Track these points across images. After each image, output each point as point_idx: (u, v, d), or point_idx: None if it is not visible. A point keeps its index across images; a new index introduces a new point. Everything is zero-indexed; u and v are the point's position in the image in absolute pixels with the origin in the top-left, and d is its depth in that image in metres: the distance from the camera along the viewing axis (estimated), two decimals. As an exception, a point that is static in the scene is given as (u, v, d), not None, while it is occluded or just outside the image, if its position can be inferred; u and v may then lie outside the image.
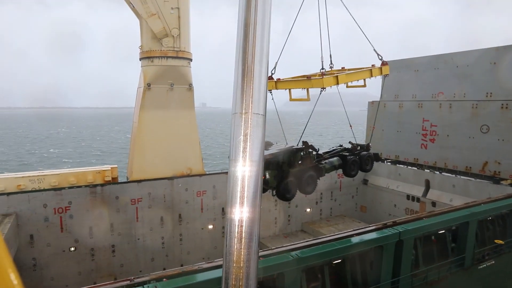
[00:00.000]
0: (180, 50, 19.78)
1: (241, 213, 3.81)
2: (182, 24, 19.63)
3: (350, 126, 14.79)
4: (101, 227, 18.05)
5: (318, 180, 12.84)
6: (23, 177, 17.48)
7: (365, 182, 25.99)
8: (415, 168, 23.08)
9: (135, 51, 20.59)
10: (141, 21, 19.50)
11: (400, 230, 11.95)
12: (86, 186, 17.81)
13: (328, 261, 10.93)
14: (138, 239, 18.98)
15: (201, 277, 8.75)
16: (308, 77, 12.86)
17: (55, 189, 17.19)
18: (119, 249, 18.64)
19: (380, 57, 14.09)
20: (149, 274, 8.86)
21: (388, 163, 24.72)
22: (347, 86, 14.07)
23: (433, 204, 21.21)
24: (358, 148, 14.35)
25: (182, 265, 18.55)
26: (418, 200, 22.35)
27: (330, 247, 10.84)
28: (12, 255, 15.10)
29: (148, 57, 19.59)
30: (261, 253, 10.35)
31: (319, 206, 24.85)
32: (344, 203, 25.91)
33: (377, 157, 14.69)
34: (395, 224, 12.56)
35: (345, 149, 14.35)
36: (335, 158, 13.55)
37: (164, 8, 19.04)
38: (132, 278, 8.59)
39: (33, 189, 17.13)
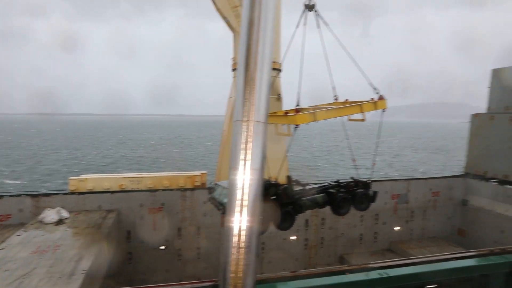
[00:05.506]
0: (270, 61, 20.12)
1: (240, 222, 3.66)
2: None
3: (353, 160, 14.23)
4: (188, 230, 18.97)
5: (295, 216, 12.24)
6: (124, 177, 19.24)
7: (464, 202, 23.38)
8: None
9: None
10: (235, 34, 20.34)
11: (512, 259, 10.43)
12: (177, 189, 18.91)
13: (421, 284, 9.96)
14: (223, 244, 19.48)
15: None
16: (286, 113, 12.61)
17: (150, 191, 18.58)
18: (204, 252, 19.34)
19: (376, 91, 13.22)
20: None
21: (494, 183, 21.92)
22: (349, 119, 13.55)
23: None
24: (360, 184, 13.39)
25: (262, 273, 18.55)
26: None
27: (423, 269, 9.88)
28: (113, 248, 16.61)
29: (239, 68, 20.27)
30: (346, 268, 9.88)
31: (410, 225, 23.02)
32: (438, 224, 23.61)
33: (374, 197, 13.54)
34: (504, 252, 10.99)
35: (338, 186, 13.44)
36: (320, 195, 12.76)
37: (255, 21, 19.62)
38: (216, 279, 8.78)
39: (132, 189, 18.74)
